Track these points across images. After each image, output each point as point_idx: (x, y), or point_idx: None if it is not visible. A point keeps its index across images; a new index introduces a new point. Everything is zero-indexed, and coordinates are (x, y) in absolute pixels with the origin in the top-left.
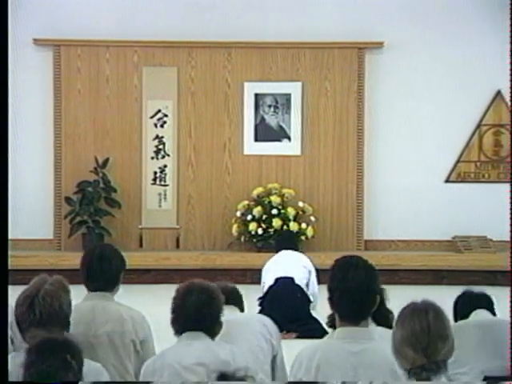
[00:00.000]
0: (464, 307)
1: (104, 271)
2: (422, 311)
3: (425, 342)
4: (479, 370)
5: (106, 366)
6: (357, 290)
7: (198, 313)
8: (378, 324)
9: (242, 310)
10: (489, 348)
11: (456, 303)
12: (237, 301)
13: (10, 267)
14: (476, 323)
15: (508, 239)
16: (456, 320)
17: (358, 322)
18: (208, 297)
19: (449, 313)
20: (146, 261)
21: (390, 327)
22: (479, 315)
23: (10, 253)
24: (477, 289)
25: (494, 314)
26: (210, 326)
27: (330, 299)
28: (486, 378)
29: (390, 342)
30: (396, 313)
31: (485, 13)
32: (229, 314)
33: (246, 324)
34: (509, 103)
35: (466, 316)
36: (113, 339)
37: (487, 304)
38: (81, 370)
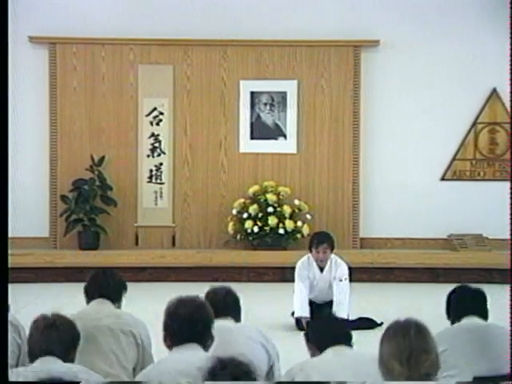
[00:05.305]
0: (458, 304)
1: (109, 288)
2: (405, 329)
3: (407, 353)
4: (468, 373)
5: (107, 354)
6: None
7: (190, 322)
8: None
9: (238, 320)
10: (478, 351)
11: (449, 298)
12: (234, 312)
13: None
14: (466, 327)
15: (504, 237)
16: (449, 315)
17: None
18: (198, 307)
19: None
20: (141, 259)
21: None
22: (470, 320)
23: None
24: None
25: (487, 312)
26: (203, 337)
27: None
28: (474, 379)
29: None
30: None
31: (481, 11)
32: (223, 323)
33: (241, 331)
34: (504, 101)
35: (459, 311)
36: (113, 329)
37: (481, 301)
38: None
